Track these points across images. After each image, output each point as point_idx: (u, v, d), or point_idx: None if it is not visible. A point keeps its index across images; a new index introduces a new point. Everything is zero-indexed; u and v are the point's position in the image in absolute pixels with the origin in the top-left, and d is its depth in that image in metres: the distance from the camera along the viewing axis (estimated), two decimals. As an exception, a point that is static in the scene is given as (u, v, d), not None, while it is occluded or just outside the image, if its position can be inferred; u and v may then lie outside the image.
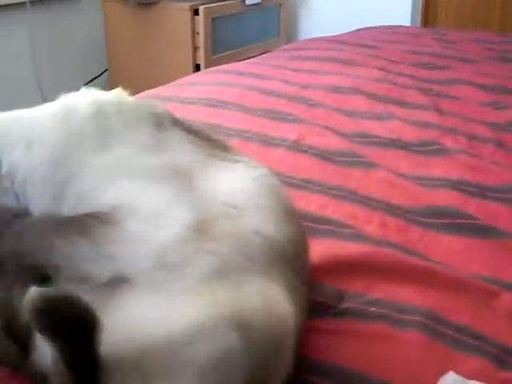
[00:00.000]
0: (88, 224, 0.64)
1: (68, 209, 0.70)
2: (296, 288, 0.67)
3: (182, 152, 0.76)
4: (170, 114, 0.85)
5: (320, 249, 0.93)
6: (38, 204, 0.72)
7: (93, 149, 0.73)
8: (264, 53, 2.32)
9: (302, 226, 0.81)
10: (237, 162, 0.79)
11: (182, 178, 0.71)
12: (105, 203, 0.67)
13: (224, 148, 0.83)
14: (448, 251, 0.97)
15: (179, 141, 0.78)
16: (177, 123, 0.83)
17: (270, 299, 0.61)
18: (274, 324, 0.59)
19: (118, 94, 0.85)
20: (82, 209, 0.68)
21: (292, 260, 0.69)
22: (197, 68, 2.73)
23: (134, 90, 0.99)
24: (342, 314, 0.79)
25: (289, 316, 0.62)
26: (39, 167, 0.73)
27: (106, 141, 0.74)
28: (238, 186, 0.73)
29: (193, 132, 0.82)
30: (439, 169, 1.24)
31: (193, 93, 1.63)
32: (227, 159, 0.79)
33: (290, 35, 3.32)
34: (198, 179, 0.71)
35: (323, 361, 0.72)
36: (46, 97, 2.78)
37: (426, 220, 1.05)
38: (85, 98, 0.80)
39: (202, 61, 2.71)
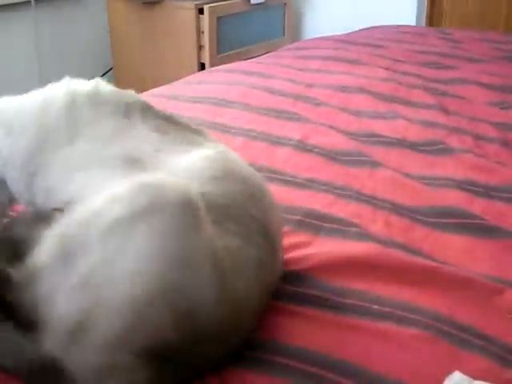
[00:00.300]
0: (55, 217, 0.71)
1: (40, 202, 0.78)
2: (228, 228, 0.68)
3: (144, 140, 0.80)
4: (143, 104, 0.87)
5: (325, 247, 0.93)
6: (15, 186, 0.81)
7: (60, 144, 0.79)
8: (269, 52, 2.32)
9: (259, 190, 0.79)
10: (199, 145, 0.81)
11: (135, 165, 0.75)
12: (66, 196, 0.74)
13: (196, 134, 0.85)
14: (453, 251, 0.96)
15: (144, 129, 0.81)
16: (149, 112, 0.85)
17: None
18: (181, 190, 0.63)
19: (95, 83, 0.89)
20: (50, 202, 0.75)
21: (229, 210, 0.70)
22: (201, 67, 2.73)
23: (139, 88, 0.99)
24: (343, 308, 0.79)
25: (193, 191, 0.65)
26: (16, 155, 0.80)
27: (73, 137, 0.80)
28: (183, 165, 0.75)
29: (166, 120, 0.85)
30: (445, 168, 1.23)
31: (197, 92, 1.63)
32: (190, 143, 0.81)
33: (295, 34, 3.31)
34: (150, 164, 0.75)
35: (327, 354, 0.71)
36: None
37: (432, 220, 1.04)
38: (63, 89, 0.86)
39: (206, 60, 2.71)
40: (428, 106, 1.58)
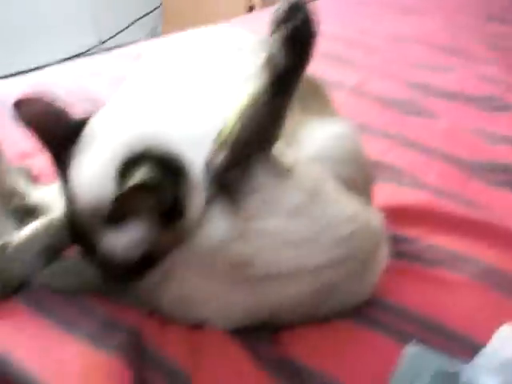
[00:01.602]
0: None
1: None
2: None
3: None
4: None
5: (379, 194, 0.92)
6: None
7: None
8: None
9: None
10: (328, 116, 0.80)
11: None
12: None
13: (325, 103, 0.84)
14: (507, 208, 0.95)
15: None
16: None
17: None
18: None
19: None
20: None
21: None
22: (250, 9, 2.67)
23: (186, 26, 0.97)
24: (398, 256, 0.79)
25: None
26: None
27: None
28: (318, 142, 0.73)
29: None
30: (502, 125, 1.20)
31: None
32: (323, 114, 0.79)
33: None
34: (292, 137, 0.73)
35: (381, 298, 0.72)
36: (100, 31, 2.77)
37: (487, 175, 1.02)
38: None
39: (257, 2, 2.66)
40: (487, 61, 1.52)
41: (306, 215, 0.64)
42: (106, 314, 0.69)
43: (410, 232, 0.84)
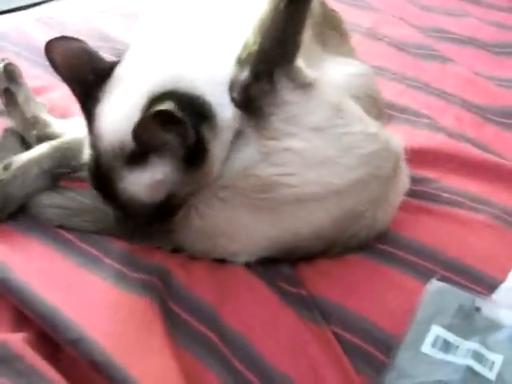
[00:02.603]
0: None
1: None
2: None
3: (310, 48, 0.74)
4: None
5: (397, 135, 0.92)
6: None
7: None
8: None
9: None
10: (346, 56, 0.80)
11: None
12: None
13: (344, 44, 0.84)
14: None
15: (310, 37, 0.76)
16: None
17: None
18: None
19: None
20: None
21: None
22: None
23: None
24: (416, 195, 0.80)
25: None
26: None
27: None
28: (336, 78, 0.73)
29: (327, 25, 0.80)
30: (516, 71, 1.19)
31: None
32: (341, 54, 0.79)
33: None
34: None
35: (398, 234, 0.74)
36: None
37: (502, 120, 1.03)
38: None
39: None
40: (501, 8, 1.50)
41: (330, 131, 0.64)
42: (125, 253, 0.69)
43: (427, 173, 0.85)
